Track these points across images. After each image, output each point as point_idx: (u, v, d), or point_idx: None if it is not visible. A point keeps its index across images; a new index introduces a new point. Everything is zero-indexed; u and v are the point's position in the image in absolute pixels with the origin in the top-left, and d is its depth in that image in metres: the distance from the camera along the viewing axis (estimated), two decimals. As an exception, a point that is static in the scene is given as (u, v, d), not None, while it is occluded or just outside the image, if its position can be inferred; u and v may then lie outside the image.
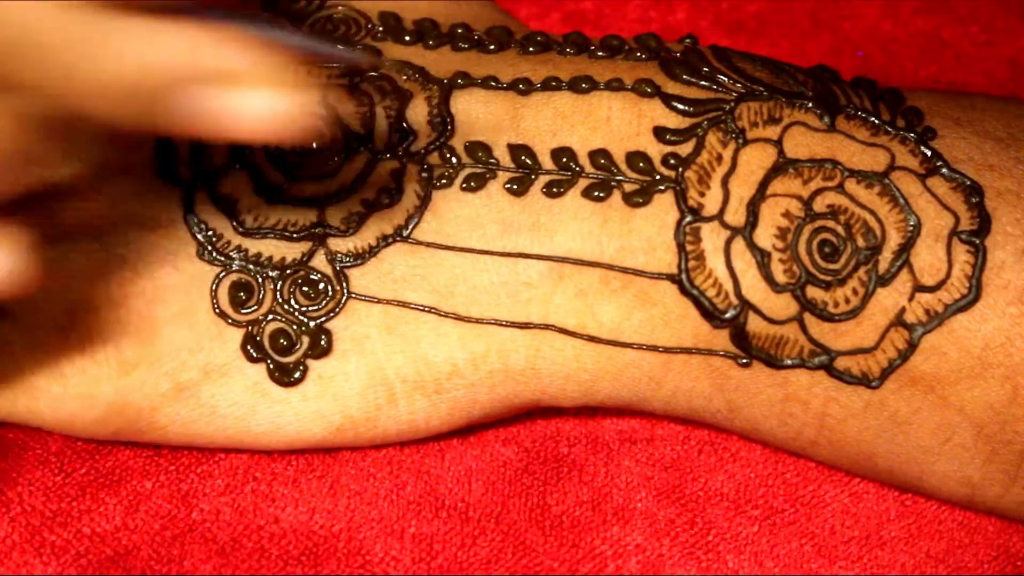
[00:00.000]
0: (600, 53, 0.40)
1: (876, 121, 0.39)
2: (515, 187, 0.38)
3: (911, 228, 0.37)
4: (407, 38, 0.41)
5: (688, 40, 0.41)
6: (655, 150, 0.38)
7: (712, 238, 0.38)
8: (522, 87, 0.39)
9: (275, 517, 0.39)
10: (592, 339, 0.38)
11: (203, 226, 0.39)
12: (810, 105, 0.39)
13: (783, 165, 0.38)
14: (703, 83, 0.39)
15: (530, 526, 0.39)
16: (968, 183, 0.38)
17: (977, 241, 0.37)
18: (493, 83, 0.39)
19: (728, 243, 0.37)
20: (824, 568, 0.39)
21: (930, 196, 0.38)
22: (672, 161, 0.38)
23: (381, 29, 0.41)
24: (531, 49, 0.40)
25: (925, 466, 0.38)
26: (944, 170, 0.38)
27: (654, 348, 0.38)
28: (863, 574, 0.39)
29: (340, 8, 0.41)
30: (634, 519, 0.40)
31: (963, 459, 0.38)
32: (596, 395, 0.39)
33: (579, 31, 0.41)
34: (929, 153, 0.38)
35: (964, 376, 0.37)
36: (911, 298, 0.37)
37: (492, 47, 0.40)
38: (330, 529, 0.39)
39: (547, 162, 0.38)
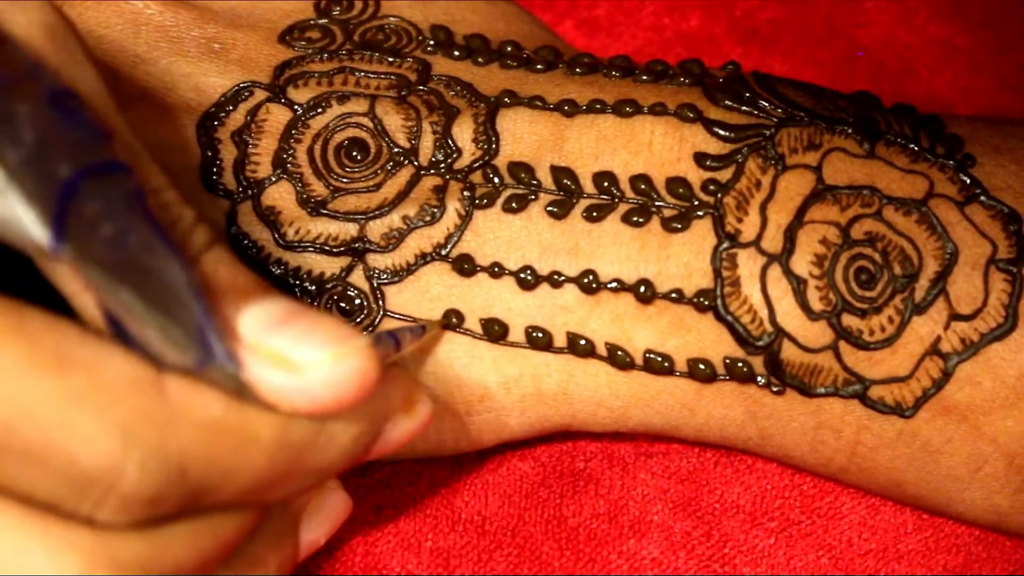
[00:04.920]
0: (644, 77, 0.40)
1: (916, 148, 0.39)
2: (556, 210, 0.38)
3: (948, 256, 0.37)
4: (456, 53, 0.41)
5: (731, 66, 0.41)
6: (695, 176, 0.38)
7: (748, 264, 0.38)
8: (567, 108, 0.39)
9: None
10: None
11: (246, 241, 0.38)
12: (850, 131, 0.38)
13: (821, 192, 0.38)
14: (744, 108, 0.39)
15: (546, 539, 0.39)
16: (1006, 211, 0.38)
17: (1014, 269, 0.37)
18: (539, 103, 0.39)
19: (764, 269, 0.37)
20: (840, 581, 0.39)
21: (968, 224, 0.38)
22: (711, 187, 0.38)
23: (432, 43, 0.41)
24: (578, 70, 0.40)
25: (954, 494, 0.38)
26: (983, 197, 0.38)
27: (687, 374, 0.38)
28: (879, 586, 0.39)
29: (392, 19, 0.41)
30: (650, 532, 0.40)
31: (993, 488, 0.38)
32: (627, 422, 0.39)
33: (625, 55, 0.41)
34: (968, 180, 0.38)
35: (998, 406, 0.37)
36: (947, 327, 0.37)
37: (540, 67, 0.40)
38: (348, 542, 0.39)
39: (588, 186, 0.38)
